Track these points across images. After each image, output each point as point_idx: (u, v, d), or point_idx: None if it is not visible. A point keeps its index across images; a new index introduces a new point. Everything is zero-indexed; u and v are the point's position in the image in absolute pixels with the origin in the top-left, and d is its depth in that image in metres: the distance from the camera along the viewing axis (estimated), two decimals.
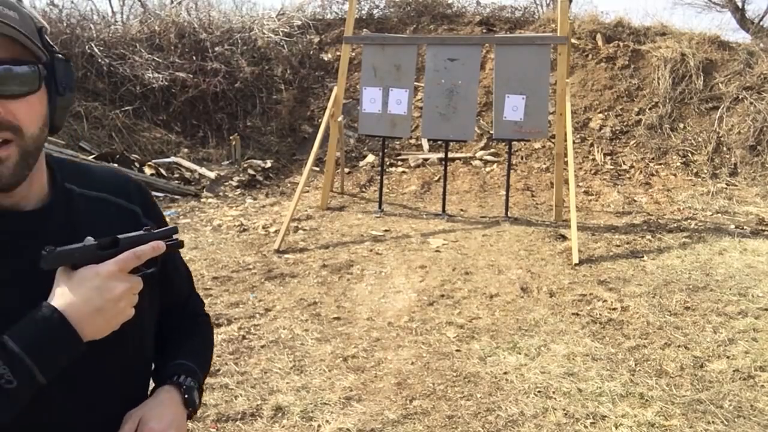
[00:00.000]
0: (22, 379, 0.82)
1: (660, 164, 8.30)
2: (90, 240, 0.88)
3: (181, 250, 1.07)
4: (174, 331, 1.20)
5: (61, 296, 0.86)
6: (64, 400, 0.93)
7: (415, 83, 7.70)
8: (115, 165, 7.01)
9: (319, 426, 2.88)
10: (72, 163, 1.08)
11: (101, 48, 9.14)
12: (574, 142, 6.96)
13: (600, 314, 4.18)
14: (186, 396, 1.05)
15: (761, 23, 14.03)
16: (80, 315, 0.85)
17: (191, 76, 9.31)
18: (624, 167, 8.33)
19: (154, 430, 0.97)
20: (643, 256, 5.37)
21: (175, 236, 1.00)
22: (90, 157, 7.16)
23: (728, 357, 3.57)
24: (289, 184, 8.12)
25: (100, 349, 0.90)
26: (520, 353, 3.62)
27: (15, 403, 0.83)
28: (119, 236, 0.91)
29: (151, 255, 0.93)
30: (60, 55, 0.96)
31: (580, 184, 7.80)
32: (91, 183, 1.05)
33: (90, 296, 0.86)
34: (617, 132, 8.78)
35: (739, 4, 14.87)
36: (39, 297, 0.88)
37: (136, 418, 0.98)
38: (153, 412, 1.00)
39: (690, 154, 8.35)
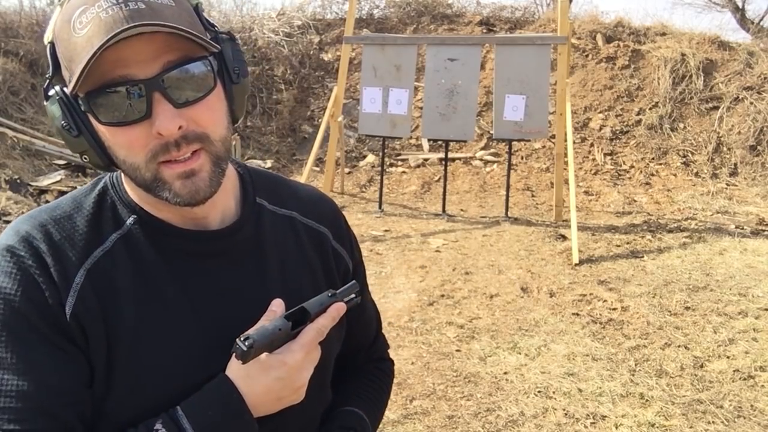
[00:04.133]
0: None
1: (660, 164, 8.30)
2: (282, 320, 0.81)
3: None
4: (355, 373, 1.12)
5: (242, 379, 0.80)
6: None
7: (415, 83, 7.70)
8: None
9: None
10: (267, 175, 1.02)
11: None
12: (574, 142, 6.96)
13: (600, 314, 4.18)
14: None
15: (761, 23, 14.03)
16: (258, 401, 0.81)
17: None
18: (624, 167, 8.33)
19: None
20: (643, 256, 5.37)
21: (355, 293, 0.91)
22: None
23: (728, 357, 3.57)
24: None
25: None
26: (520, 353, 3.63)
27: None
28: (305, 306, 0.83)
29: (332, 324, 0.85)
30: (224, 35, 0.84)
31: (580, 184, 7.80)
32: (282, 199, 0.98)
33: (273, 387, 0.80)
34: (617, 132, 8.78)
35: (739, 4, 14.87)
36: (218, 326, 0.84)
37: None
38: None
39: (690, 154, 8.34)
